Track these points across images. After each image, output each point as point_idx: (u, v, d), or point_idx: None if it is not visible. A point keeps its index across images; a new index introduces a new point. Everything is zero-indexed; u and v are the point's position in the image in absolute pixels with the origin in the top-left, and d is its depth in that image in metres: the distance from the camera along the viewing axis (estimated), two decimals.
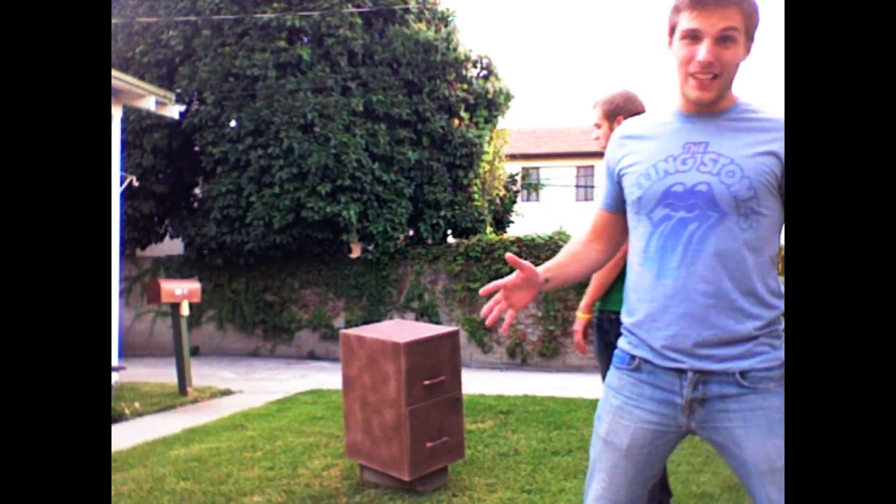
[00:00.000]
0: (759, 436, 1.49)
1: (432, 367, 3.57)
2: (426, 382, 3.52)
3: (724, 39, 1.47)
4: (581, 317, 2.92)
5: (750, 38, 1.52)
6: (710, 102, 1.53)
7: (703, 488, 3.62)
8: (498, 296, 1.64)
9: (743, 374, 1.50)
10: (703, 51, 1.48)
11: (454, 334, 3.72)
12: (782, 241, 1.51)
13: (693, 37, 1.49)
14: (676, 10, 1.52)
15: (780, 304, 1.55)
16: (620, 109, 2.88)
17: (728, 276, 1.50)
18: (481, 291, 1.62)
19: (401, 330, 3.69)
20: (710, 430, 1.56)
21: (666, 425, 1.59)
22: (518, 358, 10.17)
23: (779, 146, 1.49)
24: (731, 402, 1.51)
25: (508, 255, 1.58)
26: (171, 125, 10.56)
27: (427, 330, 3.72)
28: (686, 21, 1.49)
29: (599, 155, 3.04)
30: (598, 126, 2.99)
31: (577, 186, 23.01)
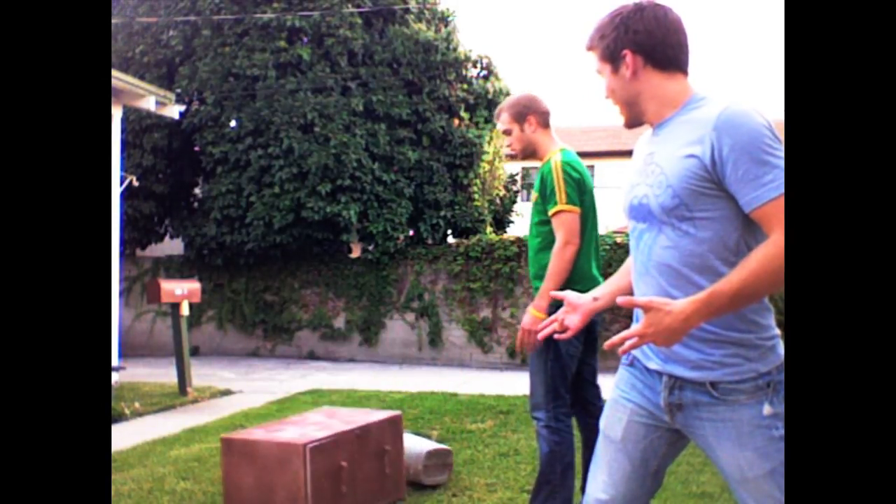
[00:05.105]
0: (730, 447, 1.52)
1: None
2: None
3: (601, 75, 1.67)
4: (539, 316, 2.68)
5: (616, 58, 1.61)
6: (628, 125, 1.69)
7: (703, 488, 3.62)
8: (555, 316, 1.83)
9: (714, 384, 1.52)
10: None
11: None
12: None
13: None
14: None
15: (762, 319, 1.54)
16: (528, 109, 2.88)
17: (673, 285, 1.53)
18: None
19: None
20: (690, 434, 1.62)
21: (655, 419, 1.64)
22: (518, 358, 10.17)
23: (698, 146, 1.47)
24: (704, 411, 1.55)
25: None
26: (171, 125, 10.55)
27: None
28: None
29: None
30: (507, 133, 2.94)
31: None
